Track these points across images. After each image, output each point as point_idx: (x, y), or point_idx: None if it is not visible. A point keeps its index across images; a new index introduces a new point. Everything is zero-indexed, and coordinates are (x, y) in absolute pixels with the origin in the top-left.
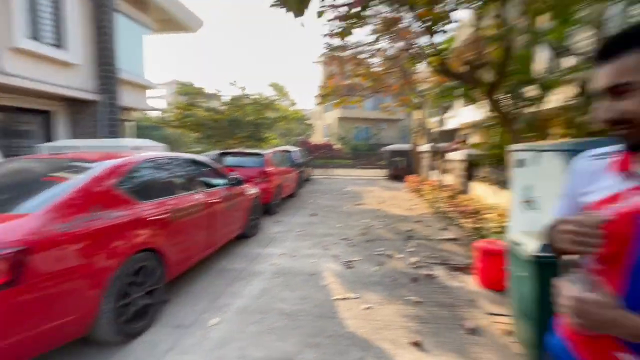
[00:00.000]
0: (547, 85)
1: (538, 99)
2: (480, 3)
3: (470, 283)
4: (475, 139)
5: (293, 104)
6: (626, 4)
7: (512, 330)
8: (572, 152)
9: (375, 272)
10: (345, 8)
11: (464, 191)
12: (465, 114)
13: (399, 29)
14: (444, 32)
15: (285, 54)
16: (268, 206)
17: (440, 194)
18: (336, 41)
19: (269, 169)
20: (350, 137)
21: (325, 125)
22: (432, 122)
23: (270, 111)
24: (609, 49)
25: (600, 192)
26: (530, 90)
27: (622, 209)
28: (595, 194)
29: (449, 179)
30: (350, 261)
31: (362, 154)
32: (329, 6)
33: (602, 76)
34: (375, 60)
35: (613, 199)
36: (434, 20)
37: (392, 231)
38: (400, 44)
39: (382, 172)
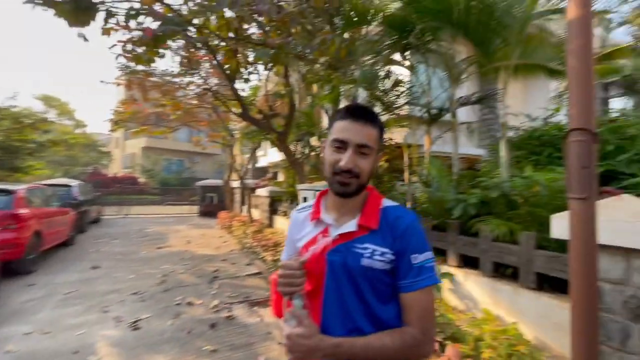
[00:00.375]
0: (325, 136)
1: (320, 147)
2: (270, 64)
3: (268, 316)
4: (282, 176)
5: (81, 125)
6: (359, 86)
7: None
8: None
9: (169, 327)
10: (139, 33)
11: (269, 225)
12: (273, 154)
13: (207, 67)
14: (247, 80)
15: (79, 67)
16: (19, 263)
17: (248, 229)
18: (135, 64)
19: (21, 211)
20: (158, 170)
21: (126, 155)
22: (245, 159)
23: (36, 131)
24: (364, 115)
25: (305, 238)
26: (315, 140)
27: (316, 250)
28: (302, 240)
29: (257, 214)
30: (136, 321)
31: (173, 189)
32: (120, 26)
33: (357, 133)
34: (183, 93)
35: (311, 242)
36: (233, 69)
37: (195, 274)
38: (213, 81)
39: (194, 209)
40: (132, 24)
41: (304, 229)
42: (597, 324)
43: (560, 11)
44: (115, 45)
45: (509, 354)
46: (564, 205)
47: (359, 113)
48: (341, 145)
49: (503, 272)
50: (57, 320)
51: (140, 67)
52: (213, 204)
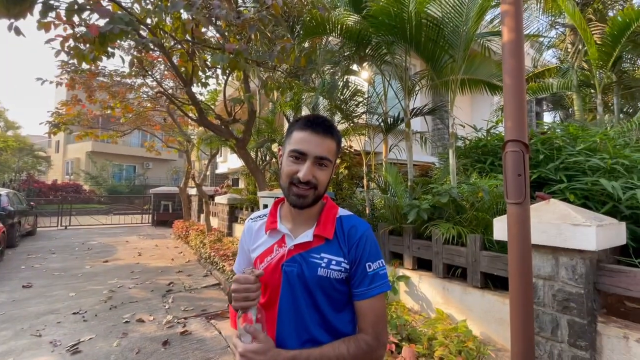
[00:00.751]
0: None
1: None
2: (228, 70)
3: (226, 328)
4: (242, 183)
5: (13, 127)
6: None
7: None
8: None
9: (115, 348)
10: (83, 29)
11: (229, 233)
12: (233, 160)
13: (162, 69)
14: (206, 84)
15: (13, 62)
16: None
17: (206, 239)
18: (80, 62)
19: None
20: (106, 177)
21: (68, 161)
22: (203, 165)
23: None
24: (324, 127)
25: (260, 248)
26: (276, 147)
27: (272, 260)
28: (257, 250)
29: (216, 223)
30: (76, 344)
31: (123, 197)
32: (61, 20)
33: (317, 146)
34: (135, 95)
35: (267, 252)
36: (189, 72)
37: (147, 288)
38: (169, 84)
39: (147, 218)
40: (75, 19)
41: (258, 238)
42: (532, 317)
43: (499, 33)
44: (53, 39)
45: (459, 350)
46: (504, 209)
47: (319, 125)
48: (300, 156)
49: (454, 272)
50: None
51: (85, 66)
52: (168, 212)
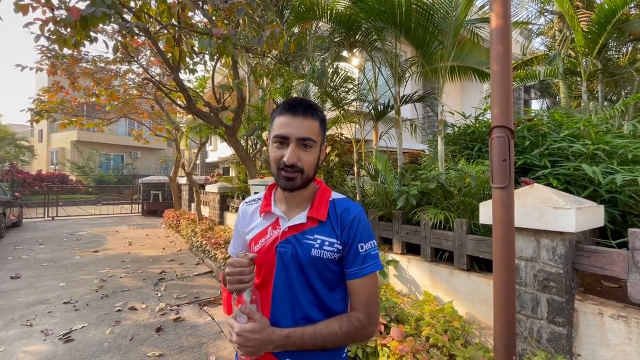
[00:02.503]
0: None
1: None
2: (216, 55)
3: (219, 314)
4: (233, 172)
5: None
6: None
7: None
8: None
9: (108, 335)
10: (63, 12)
11: (220, 222)
12: (224, 148)
13: (148, 55)
14: (194, 71)
15: None
16: None
17: (197, 227)
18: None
19: None
20: (94, 167)
21: (52, 150)
22: (192, 154)
23: None
24: (303, 108)
25: (254, 230)
26: (266, 134)
27: (266, 242)
28: (252, 232)
29: (207, 212)
30: (69, 332)
31: (112, 186)
32: (40, 3)
33: (298, 127)
34: (121, 81)
35: (262, 234)
36: (176, 58)
37: (139, 277)
38: (155, 70)
39: (137, 208)
40: (55, 1)
41: (253, 221)
42: (514, 296)
43: (488, 20)
44: (32, 23)
45: (445, 329)
46: (491, 194)
47: (298, 107)
48: (283, 140)
49: (441, 256)
50: None
51: (67, 51)
52: (158, 202)
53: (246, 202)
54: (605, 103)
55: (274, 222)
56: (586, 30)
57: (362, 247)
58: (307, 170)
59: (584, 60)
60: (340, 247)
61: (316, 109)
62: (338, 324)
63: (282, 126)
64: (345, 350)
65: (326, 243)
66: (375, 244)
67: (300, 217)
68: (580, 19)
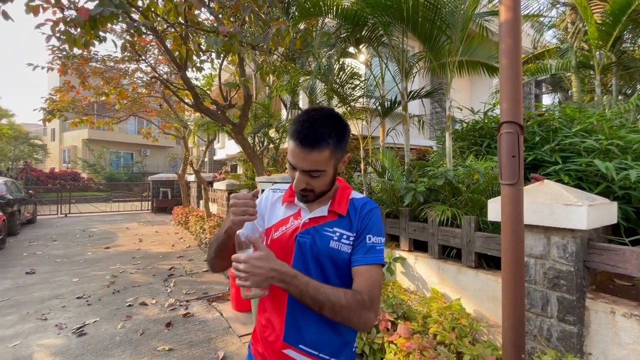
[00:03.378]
0: (284, 128)
1: (279, 140)
2: (223, 53)
3: (227, 310)
4: (241, 169)
5: (6, 115)
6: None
7: None
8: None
9: (120, 330)
10: (73, 12)
11: None
12: (231, 146)
13: (156, 54)
14: (201, 69)
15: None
16: None
17: (206, 224)
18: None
19: None
20: (104, 164)
21: (65, 149)
22: (201, 151)
23: None
24: (310, 140)
25: (276, 218)
26: (273, 132)
27: (287, 230)
28: (273, 219)
29: (215, 209)
30: (82, 326)
31: (122, 184)
32: (50, 3)
33: (303, 160)
34: (129, 80)
35: (283, 222)
36: (183, 57)
37: (149, 273)
38: (163, 69)
39: (146, 205)
40: (65, 1)
41: (275, 208)
42: (524, 294)
43: (497, 13)
44: (43, 24)
45: (452, 327)
46: (499, 191)
47: (305, 139)
48: (292, 166)
49: (449, 253)
50: None
51: (77, 51)
52: (167, 199)
53: (272, 189)
54: (619, 97)
55: (297, 212)
56: (600, 22)
57: (369, 239)
58: (318, 190)
59: (597, 53)
60: (354, 239)
61: (325, 137)
62: (343, 292)
63: (290, 154)
64: (355, 345)
65: (344, 236)
66: (383, 242)
67: (322, 210)
68: (593, 11)
